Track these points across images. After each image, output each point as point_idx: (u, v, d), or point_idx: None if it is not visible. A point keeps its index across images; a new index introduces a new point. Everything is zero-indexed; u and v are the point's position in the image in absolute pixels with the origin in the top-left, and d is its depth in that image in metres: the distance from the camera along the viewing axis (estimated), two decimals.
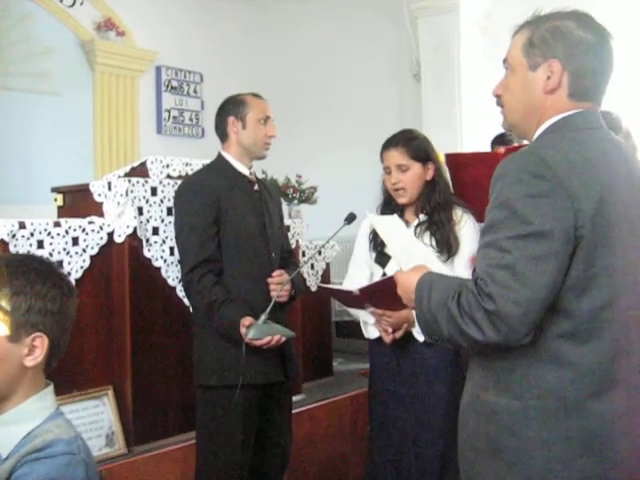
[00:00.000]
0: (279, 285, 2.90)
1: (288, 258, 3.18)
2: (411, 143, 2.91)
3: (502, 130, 4.23)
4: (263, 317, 2.72)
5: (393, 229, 2.14)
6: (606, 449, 1.60)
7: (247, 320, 2.74)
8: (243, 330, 2.72)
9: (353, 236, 3.12)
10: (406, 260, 1.92)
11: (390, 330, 2.82)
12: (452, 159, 3.23)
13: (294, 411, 3.31)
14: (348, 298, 2.85)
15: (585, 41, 1.68)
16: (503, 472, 1.65)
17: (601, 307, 1.59)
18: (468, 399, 1.77)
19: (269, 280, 2.92)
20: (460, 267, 2.78)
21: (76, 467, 1.42)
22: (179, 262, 3.00)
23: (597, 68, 1.70)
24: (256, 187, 3.06)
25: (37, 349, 1.49)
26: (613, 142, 1.73)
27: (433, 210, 2.90)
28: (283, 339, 2.80)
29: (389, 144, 2.93)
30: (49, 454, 1.40)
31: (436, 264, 1.95)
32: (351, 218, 2.95)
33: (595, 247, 1.57)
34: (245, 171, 3.03)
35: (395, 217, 2.22)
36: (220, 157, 3.05)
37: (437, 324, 1.64)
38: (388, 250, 2.92)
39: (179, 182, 3.14)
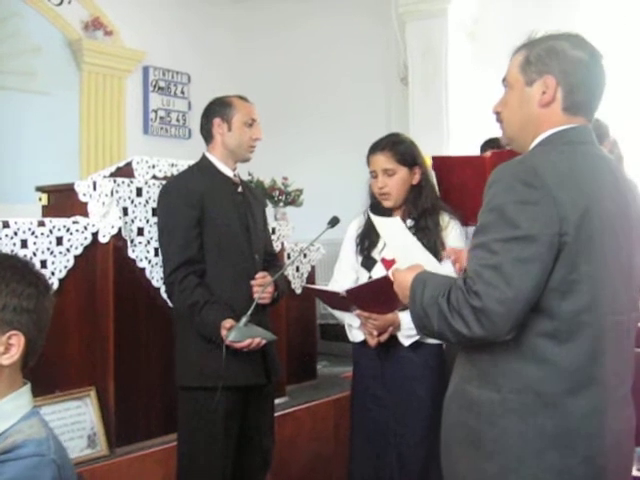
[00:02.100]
0: (262, 287, 2.89)
1: (272, 261, 3.18)
2: (397, 147, 2.91)
3: (489, 134, 4.27)
4: (244, 320, 2.71)
5: (394, 230, 2.25)
6: (578, 445, 1.70)
7: (228, 322, 2.74)
8: (224, 332, 2.72)
9: (339, 239, 3.12)
10: (406, 260, 2.03)
11: (375, 333, 2.82)
12: (439, 161, 3.24)
13: (277, 414, 3.31)
14: (334, 300, 2.85)
15: (578, 59, 1.80)
16: (480, 461, 1.77)
17: (581, 310, 1.69)
18: (452, 391, 1.90)
19: (252, 282, 2.91)
20: (446, 272, 2.79)
21: (45, 468, 1.41)
22: (162, 263, 2.99)
23: (589, 84, 1.82)
24: (240, 189, 3.05)
25: (13, 347, 1.48)
26: (602, 157, 1.85)
27: (420, 215, 2.91)
28: (263, 342, 2.79)
29: (375, 148, 2.93)
30: (17, 456, 1.40)
31: (435, 265, 2.06)
32: (334, 222, 2.94)
33: (578, 254, 1.67)
34: (229, 173, 3.03)
35: (397, 219, 2.31)
36: (204, 158, 3.05)
37: (428, 319, 1.75)
38: (375, 254, 2.93)
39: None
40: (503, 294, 1.63)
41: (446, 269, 2.84)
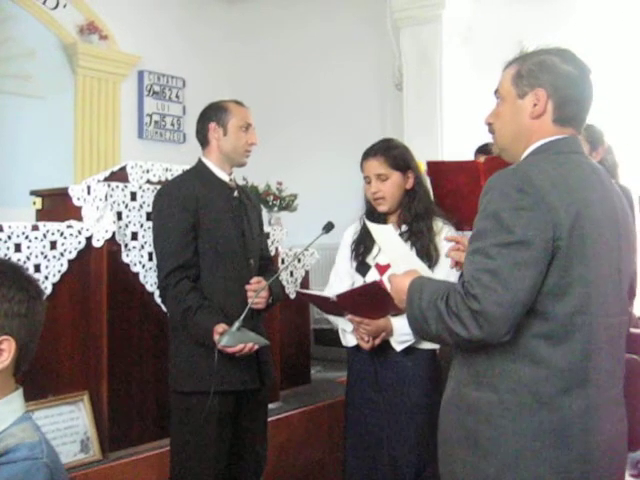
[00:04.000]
0: (255, 292, 2.89)
1: (267, 265, 3.18)
2: (390, 152, 2.92)
3: (483, 140, 4.28)
4: (237, 324, 2.70)
5: (388, 237, 2.34)
6: (573, 442, 1.75)
7: (220, 327, 2.73)
8: (216, 337, 2.72)
9: (333, 244, 3.12)
10: (401, 266, 2.10)
11: (366, 338, 2.82)
12: (433, 167, 3.26)
13: (271, 418, 3.31)
14: (326, 305, 2.85)
15: (568, 73, 1.88)
16: (479, 460, 1.81)
17: (574, 312, 1.75)
18: (450, 394, 1.95)
19: (247, 287, 2.91)
20: (440, 277, 2.79)
21: (37, 472, 1.40)
22: (157, 267, 2.99)
23: (578, 97, 1.90)
24: (235, 194, 3.05)
25: (4, 352, 1.48)
26: (591, 166, 1.91)
27: (413, 220, 2.91)
28: (256, 347, 2.79)
29: (368, 154, 2.94)
30: (10, 459, 1.39)
31: (427, 272, 2.13)
32: (329, 227, 2.94)
33: (571, 258, 1.74)
34: (225, 177, 3.03)
35: (390, 227, 2.41)
36: (200, 163, 3.05)
37: (426, 322, 1.81)
38: (369, 259, 2.93)
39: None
40: (500, 297, 1.69)
41: (438, 276, 2.87)
